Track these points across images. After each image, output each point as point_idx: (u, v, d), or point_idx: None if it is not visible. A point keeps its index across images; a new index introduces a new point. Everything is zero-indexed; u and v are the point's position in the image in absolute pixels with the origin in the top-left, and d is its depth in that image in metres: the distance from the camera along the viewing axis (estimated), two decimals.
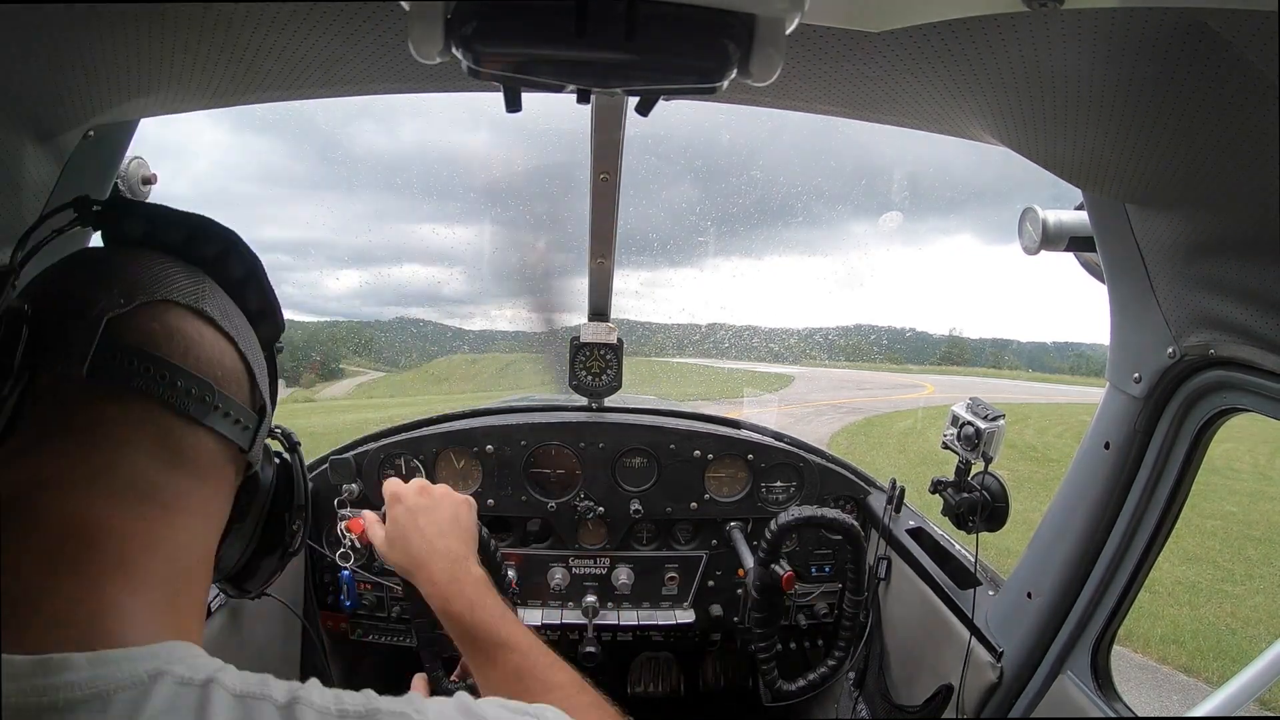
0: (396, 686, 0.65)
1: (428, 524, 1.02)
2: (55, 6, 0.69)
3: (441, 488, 1.09)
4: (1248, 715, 1.22)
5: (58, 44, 0.76)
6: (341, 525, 1.84)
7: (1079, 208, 1.15)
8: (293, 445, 0.81)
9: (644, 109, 0.72)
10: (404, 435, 1.96)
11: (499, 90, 0.67)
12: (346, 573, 1.80)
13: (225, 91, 0.94)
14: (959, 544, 1.76)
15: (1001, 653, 1.42)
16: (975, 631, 1.48)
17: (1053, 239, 1.18)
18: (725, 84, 0.59)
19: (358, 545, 1.83)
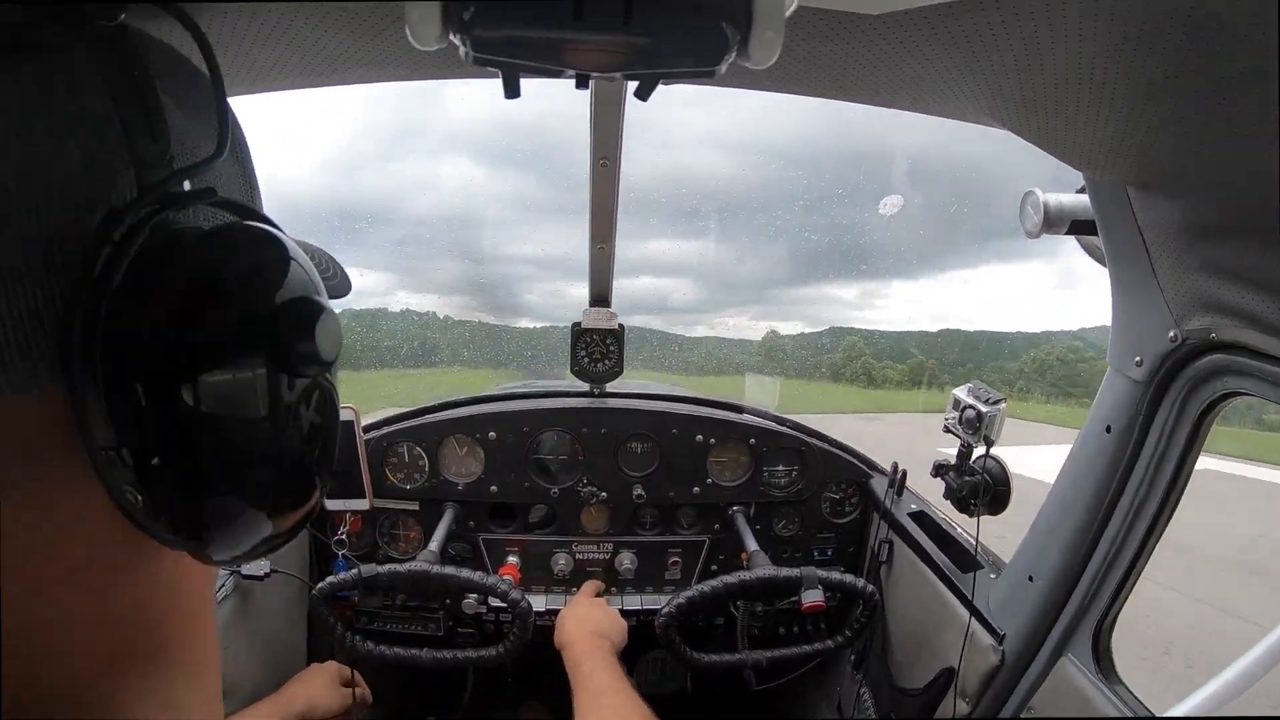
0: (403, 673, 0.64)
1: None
2: None
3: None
4: (1246, 716, 1.23)
5: None
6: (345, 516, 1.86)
7: (1080, 190, 1.14)
8: None
9: (643, 94, 0.72)
10: (407, 423, 1.98)
11: (498, 77, 0.68)
12: (341, 561, 1.76)
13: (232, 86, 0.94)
14: (960, 528, 1.76)
15: (1003, 635, 1.43)
16: (976, 614, 1.50)
17: (1054, 222, 1.16)
18: (724, 67, 0.58)
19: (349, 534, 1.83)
